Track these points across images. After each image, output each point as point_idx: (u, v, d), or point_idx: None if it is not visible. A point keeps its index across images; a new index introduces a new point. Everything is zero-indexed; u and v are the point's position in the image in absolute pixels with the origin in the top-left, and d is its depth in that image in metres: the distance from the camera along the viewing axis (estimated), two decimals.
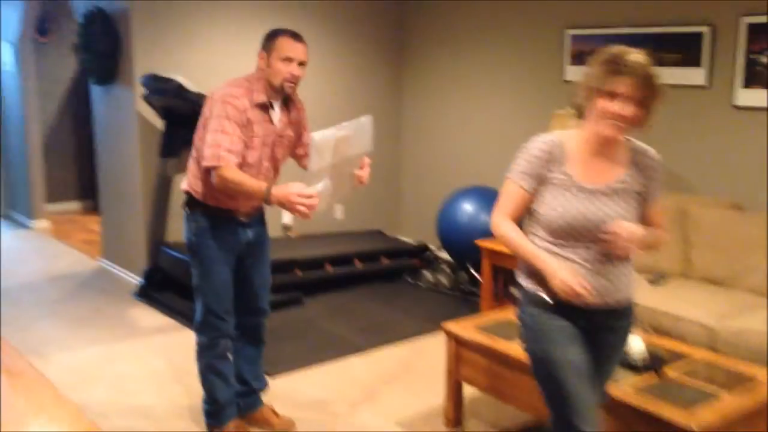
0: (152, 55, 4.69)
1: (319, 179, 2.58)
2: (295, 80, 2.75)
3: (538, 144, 2.16)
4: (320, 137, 2.53)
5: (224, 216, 2.82)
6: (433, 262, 5.39)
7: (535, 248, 2.12)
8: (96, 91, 5.20)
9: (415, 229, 6.09)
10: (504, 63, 5.22)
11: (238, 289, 2.96)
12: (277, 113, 2.82)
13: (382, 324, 4.40)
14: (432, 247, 5.55)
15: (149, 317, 4.41)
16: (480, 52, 5.37)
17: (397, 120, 6.06)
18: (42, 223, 6.53)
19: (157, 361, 3.76)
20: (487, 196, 5.00)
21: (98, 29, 4.79)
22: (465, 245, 4.93)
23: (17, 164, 6.67)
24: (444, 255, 5.41)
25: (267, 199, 2.55)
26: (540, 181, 2.12)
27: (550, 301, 2.11)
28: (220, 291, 2.87)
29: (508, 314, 3.27)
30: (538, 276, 2.12)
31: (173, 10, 4.72)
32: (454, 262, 5.23)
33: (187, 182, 2.85)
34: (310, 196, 2.50)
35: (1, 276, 5.11)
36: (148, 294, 4.67)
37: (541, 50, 4.95)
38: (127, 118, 4.87)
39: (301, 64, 2.75)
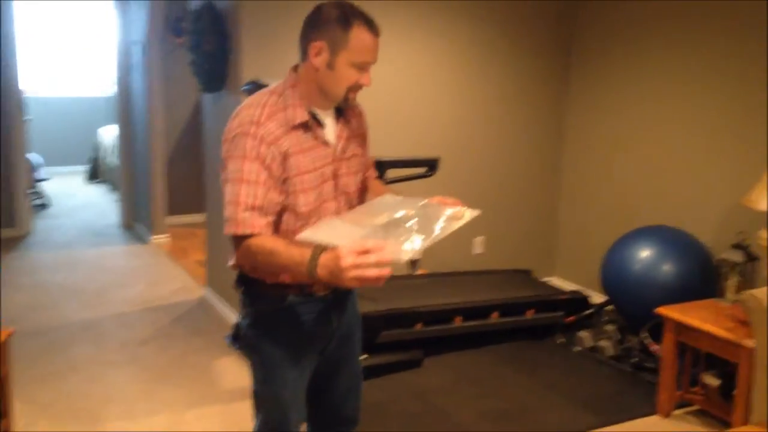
0: (261, 59, 3.96)
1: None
2: (360, 90, 1.84)
3: None
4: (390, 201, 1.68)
5: (291, 293, 1.88)
6: (593, 320, 4.26)
7: None
8: (206, 99, 4.58)
9: (573, 271, 4.97)
10: (702, 73, 3.98)
11: (315, 392, 2.07)
12: (330, 128, 1.89)
13: (517, 406, 3.37)
14: (593, 298, 4.41)
15: (235, 372, 3.67)
16: (670, 59, 4.15)
17: (558, 137, 4.97)
18: (160, 239, 6.10)
19: None
20: (671, 239, 3.84)
21: (206, 27, 4.14)
22: (638, 302, 3.80)
23: (141, 173, 6.31)
24: (609, 310, 4.27)
25: (312, 272, 1.60)
26: None
27: None
28: (287, 403, 1.97)
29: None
30: None
31: (287, 5, 3.96)
32: (622, 322, 4.07)
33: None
34: (366, 251, 1.51)
35: (95, 303, 4.65)
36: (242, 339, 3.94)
37: (754, 56, 3.67)
38: None
39: None
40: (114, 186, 8.12)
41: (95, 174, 8.98)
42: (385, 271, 1.53)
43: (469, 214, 1.78)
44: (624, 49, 4.45)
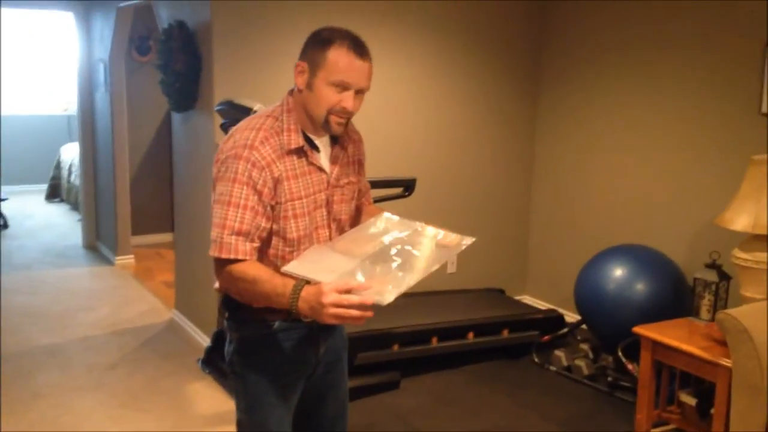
0: (234, 78, 3.91)
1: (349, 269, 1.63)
2: (346, 116, 1.76)
3: None
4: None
5: (278, 319, 1.83)
6: (568, 339, 4.27)
7: None
8: (176, 119, 4.51)
9: (544, 290, 4.99)
10: (675, 92, 4.04)
11: (302, 419, 2.01)
12: (325, 154, 1.84)
13: (496, 427, 3.35)
14: (567, 315, 4.43)
15: (208, 397, 3.58)
16: (642, 79, 4.22)
17: (529, 155, 5.01)
18: (125, 260, 5.96)
19: None
20: (644, 259, 3.88)
21: (177, 46, 4.08)
22: (612, 321, 3.83)
23: (105, 193, 6.16)
24: (583, 328, 4.30)
25: (293, 304, 1.60)
26: None
27: None
28: None
29: None
30: None
31: (260, 24, 3.93)
32: (595, 342, 4.10)
33: None
34: (349, 290, 1.54)
35: (60, 327, 4.50)
36: (215, 363, 3.86)
37: (727, 73, 3.75)
38: (206, 151, 4.12)
39: (360, 91, 1.75)
40: (74, 205, 7.92)
41: (54, 193, 8.75)
42: (368, 313, 1.55)
43: (463, 242, 1.75)
44: (594, 66, 4.51)
